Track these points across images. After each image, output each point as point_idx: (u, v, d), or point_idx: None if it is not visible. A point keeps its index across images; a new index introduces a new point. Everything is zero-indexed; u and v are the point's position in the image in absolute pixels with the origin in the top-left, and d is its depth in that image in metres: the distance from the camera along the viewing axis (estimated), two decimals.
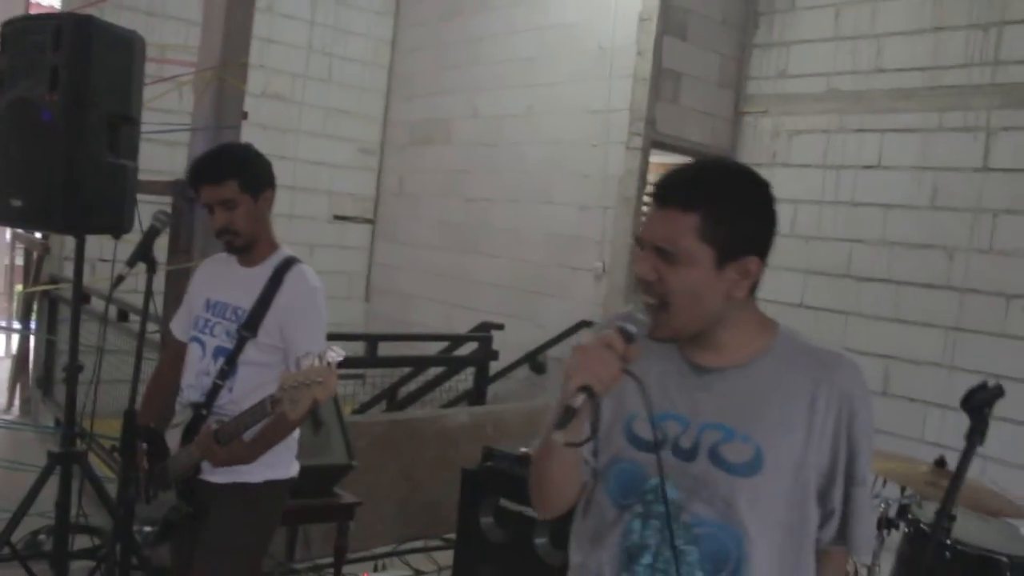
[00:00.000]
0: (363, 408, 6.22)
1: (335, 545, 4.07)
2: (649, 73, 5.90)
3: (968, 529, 3.25)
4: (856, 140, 5.90)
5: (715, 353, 1.46)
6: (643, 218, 6.12)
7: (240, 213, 2.47)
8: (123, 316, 4.93)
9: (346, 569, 4.24)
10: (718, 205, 1.38)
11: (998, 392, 1.42)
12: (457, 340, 6.35)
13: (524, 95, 7.21)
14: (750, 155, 6.45)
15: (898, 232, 5.68)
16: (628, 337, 1.36)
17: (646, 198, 6.50)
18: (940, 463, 3.00)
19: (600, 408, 1.34)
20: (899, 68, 5.73)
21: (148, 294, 2.29)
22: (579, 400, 1.29)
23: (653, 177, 6.69)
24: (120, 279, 2.25)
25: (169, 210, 3.06)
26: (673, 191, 1.41)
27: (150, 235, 2.40)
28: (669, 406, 1.47)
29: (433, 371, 6.36)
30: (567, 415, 1.29)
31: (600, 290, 6.37)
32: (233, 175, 2.46)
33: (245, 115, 4.02)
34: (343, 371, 6.08)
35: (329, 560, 4.16)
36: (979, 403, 1.42)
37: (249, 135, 6.81)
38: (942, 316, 5.45)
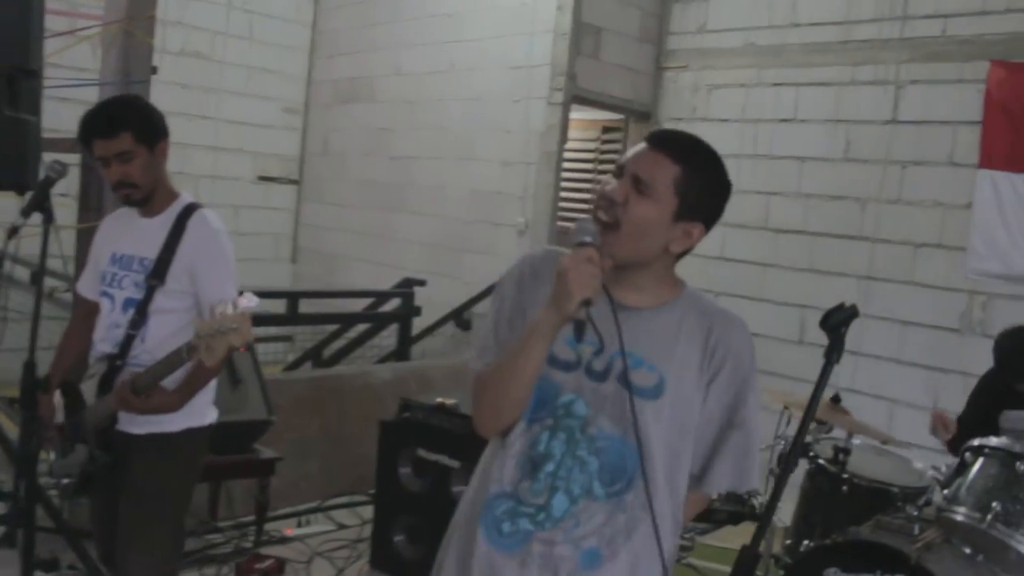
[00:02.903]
0: (290, 368, 6.19)
1: (256, 501, 4.09)
2: (569, 27, 5.92)
3: (865, 463, 3.41)
4: (773, 94, 6.00)
5: (635, 293, 1.63)
6: (564, 174, 6.17)
7: (136, 165, 2.43)
8: (36, 279, 4.82)
9: (270, 526, 4.25)
10: (700, 169, 1.60)
11: (853, 312, 1.52)
12: (379, 296, 6.33)
13: (446, 51, 7.16)
14: (671, 110, 6.53)
15: (813, 184, 5.81)
16: (595, 247, 1.53)
17: (567, 153, 6.54)
18: (835, 399, 3.13)
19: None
20: (813, 22, 5.83)
21: (45, 243, 2.25)
22: (583, 313, 1.46)
23: (574, 132, 6.73)
24: (15, 230, 2.21)
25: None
26: (671, 143, 1.61)
27: (45, 185, 2.36)
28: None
29: (359, 330, 6.35)
30: (582, 327, 1.46)
31: (523, 245, 6.39)
32: (127, 127, 2.41)
33: (154, 70, 3.94)
34: (268, 332, 5.96)
35: (252, 518, 4.17)
36: (836, 323, 1.52)
37: (169, 94, 6.67)
38: (855, 266, 5.61)
